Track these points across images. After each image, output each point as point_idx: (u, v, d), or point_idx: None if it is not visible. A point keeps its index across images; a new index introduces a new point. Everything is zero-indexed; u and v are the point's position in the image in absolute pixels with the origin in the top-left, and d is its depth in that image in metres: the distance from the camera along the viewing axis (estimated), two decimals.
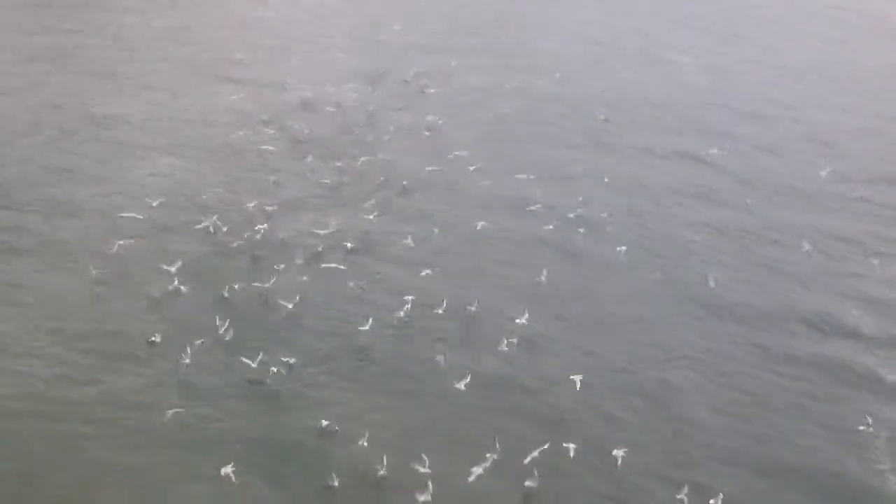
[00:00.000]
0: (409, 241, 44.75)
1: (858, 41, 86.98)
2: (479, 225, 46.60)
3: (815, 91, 73.14)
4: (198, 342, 35.00)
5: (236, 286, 39.29)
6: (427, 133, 58.77)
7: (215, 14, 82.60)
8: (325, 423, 31.49)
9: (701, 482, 30.26)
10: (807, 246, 46.76)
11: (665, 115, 65.38)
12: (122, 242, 42.16)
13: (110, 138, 54.95)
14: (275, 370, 34.05)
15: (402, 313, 38.30)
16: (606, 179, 53.57)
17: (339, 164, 53.00)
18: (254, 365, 33.72)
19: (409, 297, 39.04)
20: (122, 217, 45.17)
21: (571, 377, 34.46)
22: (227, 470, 28.91)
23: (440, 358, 35.77)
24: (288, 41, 75.95)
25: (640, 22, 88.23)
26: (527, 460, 29.87)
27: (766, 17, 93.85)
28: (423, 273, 41.58)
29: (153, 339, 35.39)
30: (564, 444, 30.77)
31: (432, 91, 66.63)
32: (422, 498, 28.46)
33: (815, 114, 67.60)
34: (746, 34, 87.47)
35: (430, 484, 28.73)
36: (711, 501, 29.23)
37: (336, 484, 28.97)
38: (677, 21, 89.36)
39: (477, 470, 29.68)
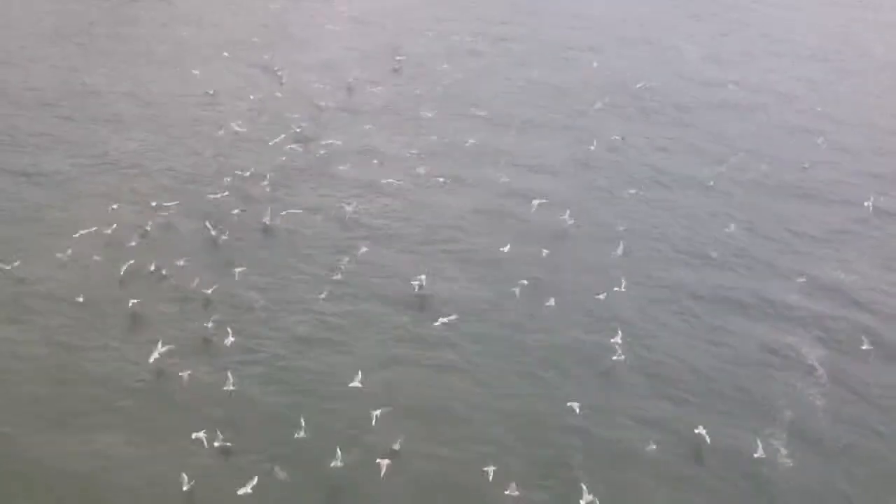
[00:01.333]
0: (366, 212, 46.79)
1: (869, 33, 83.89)
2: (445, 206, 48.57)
3: (818, 79, 71.10)
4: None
5: (195, 260, 41.41)
6: (409, 116, 59.44)
7: None
8: None
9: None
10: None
11: (654, 100, 64.56)
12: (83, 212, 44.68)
13: (96, 110, 57.55)
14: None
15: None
16: (571, 154, 54.97)
17: (309, 144, 54.30)
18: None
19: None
20: (87, 184, 47.89)
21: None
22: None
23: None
24: (292, 27, 77.25)
25: (644, 9, 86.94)
26: None
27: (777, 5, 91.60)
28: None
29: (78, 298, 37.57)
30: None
31: (421, 73, 67.30)
32: None
33: (811, 102, 65.93)
34: (754, 22, 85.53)
35: None
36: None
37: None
38: (683, 8, 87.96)
39: None
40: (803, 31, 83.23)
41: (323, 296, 39.39)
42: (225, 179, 48.97)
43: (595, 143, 56.20)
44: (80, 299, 37.85)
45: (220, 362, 35.05)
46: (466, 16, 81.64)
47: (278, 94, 61.44)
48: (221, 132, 54.88)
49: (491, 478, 29.82)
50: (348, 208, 46.75)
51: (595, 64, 70.47)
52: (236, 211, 45.67)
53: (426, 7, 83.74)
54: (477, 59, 71.10)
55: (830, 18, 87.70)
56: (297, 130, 55.52)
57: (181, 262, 40.83)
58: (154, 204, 45.88)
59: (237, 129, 55.35)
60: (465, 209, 47.97)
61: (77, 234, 42.19)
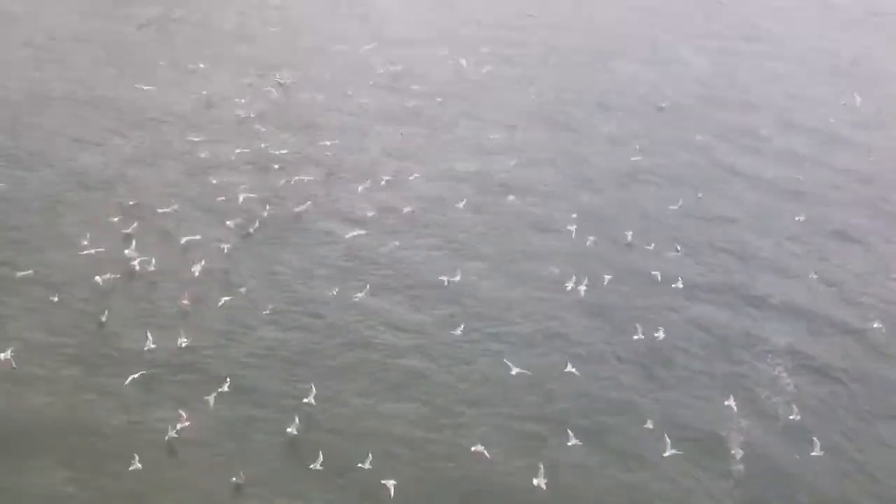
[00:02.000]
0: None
1: (883, 52, 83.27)
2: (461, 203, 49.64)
3: (821, 93, 70.61)
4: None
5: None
6: (411, 123, 59.95)
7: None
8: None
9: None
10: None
11: (662, 107, 64.84)
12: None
13: (95, 116, 58.65)
14: None
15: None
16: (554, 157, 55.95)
17: (307, 150, 55.01)
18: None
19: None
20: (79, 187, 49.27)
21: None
22: None
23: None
24: (300, 33, 78.20)
25: (651, 18, 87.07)
26: None
27: (791, 17, 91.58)
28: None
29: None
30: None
31: (419, 84, 67.43)
32: None
33: (814, 113, 65.57)
34: (763, 33, 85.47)
35: None
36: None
37: None
38: (692, 18, 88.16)
39: None
40: (813, 46, 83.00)
41: (333, 291, 40.70)
42: (223, 187, 49.52)
43: (595, 144, 57.83)
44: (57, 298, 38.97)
45: (206, 344, 36.51)
46: (479, 21, 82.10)
47: (280, 100, 62.44)
48: (218, 141, 55.40)
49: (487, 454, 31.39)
50: (351, 211, 47.80)
51: (608, 71, 71.24)
52: (230, 223, 45.93)
53: (436, 11, 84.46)
54: (487, 65, 71.45)
55: (843, 38, 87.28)
56: (295, 137, 56.39)
57: (178, 268, 41.61)
58: (143, 209, 46.60)
59: (235, 136, 56.13)
60: (461, 211, 48.63)
61: (72, 233, 43.51)
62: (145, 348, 35.76)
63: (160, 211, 46.27)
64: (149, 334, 36.09)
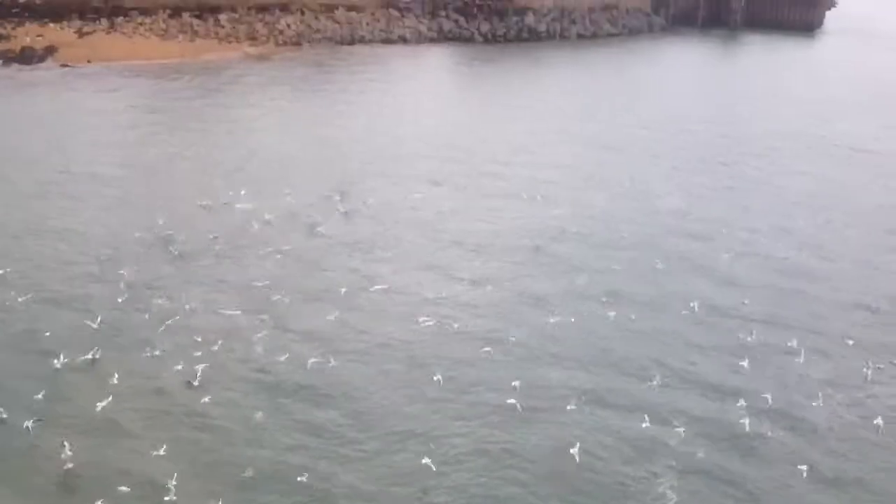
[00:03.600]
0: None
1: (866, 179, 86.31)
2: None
3: (795, 228, 72.92)
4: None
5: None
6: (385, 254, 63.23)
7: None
8: None
9: None
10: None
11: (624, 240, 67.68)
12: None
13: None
14: None
15: None
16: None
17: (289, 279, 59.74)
18: None
19: None
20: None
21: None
22: None
23: None
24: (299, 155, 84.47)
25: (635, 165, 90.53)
26: None
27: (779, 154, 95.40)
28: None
29: None
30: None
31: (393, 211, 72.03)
32: None
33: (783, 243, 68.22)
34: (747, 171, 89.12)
35: None
36: None
37: None
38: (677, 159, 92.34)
39: None
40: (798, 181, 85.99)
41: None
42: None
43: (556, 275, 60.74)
44: None
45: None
46: (468, 154, 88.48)
47: (268, 221, 67.07)
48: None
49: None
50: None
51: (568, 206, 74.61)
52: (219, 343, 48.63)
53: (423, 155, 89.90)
54: (467, 190, 77.80)
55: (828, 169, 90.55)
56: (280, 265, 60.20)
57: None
58: None
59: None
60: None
61: None
62: None
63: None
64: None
